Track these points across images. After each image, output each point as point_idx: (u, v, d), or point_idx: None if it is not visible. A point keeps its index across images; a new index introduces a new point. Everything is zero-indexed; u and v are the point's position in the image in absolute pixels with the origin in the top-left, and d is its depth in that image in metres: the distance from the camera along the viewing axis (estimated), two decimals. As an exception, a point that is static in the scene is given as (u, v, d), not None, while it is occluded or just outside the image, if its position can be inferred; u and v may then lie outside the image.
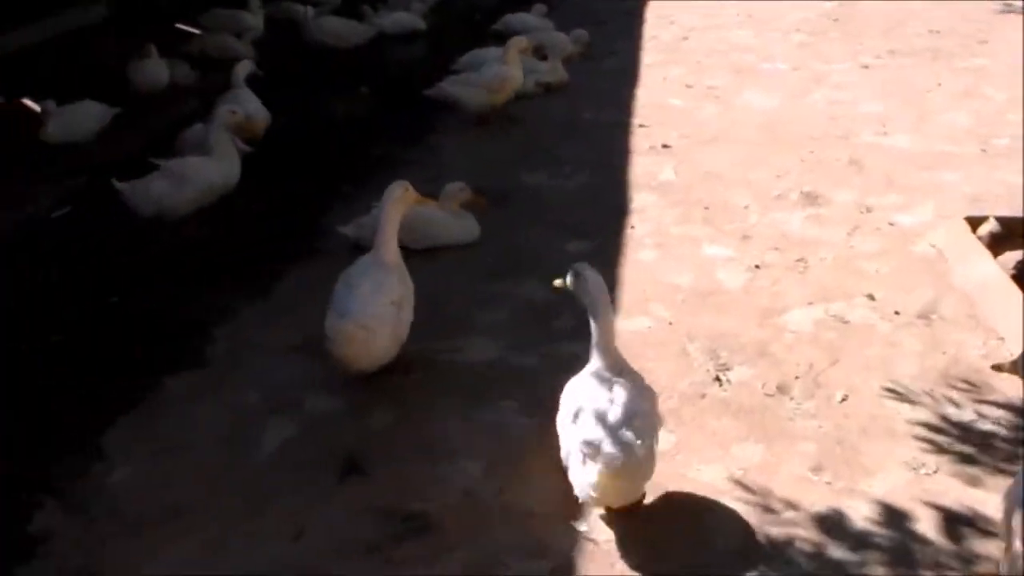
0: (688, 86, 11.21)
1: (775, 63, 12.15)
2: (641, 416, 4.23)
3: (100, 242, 7.69)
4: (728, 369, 5.61)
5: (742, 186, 8.28)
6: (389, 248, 5.61)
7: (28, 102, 10.00)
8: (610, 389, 4.32)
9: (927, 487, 4.58)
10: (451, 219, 7.23)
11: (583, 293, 4.52)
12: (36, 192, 8.29)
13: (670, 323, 6.13)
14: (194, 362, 5.91)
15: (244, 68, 9.79)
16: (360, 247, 6.98)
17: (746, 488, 4.60)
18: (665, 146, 9.27)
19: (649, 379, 4.59)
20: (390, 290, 5.47)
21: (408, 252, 6.34)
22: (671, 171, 8.66)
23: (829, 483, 4.63)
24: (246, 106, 8.97)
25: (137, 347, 6.10)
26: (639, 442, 4.08)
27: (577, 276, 4.56)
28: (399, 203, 5.75)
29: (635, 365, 4.68)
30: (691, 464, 4.79)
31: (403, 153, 9.20)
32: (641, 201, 8.04)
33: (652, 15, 15.08)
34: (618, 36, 13.47)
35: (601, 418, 4.20)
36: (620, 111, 10.29)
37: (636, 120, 10.01)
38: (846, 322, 6.09)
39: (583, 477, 4.19)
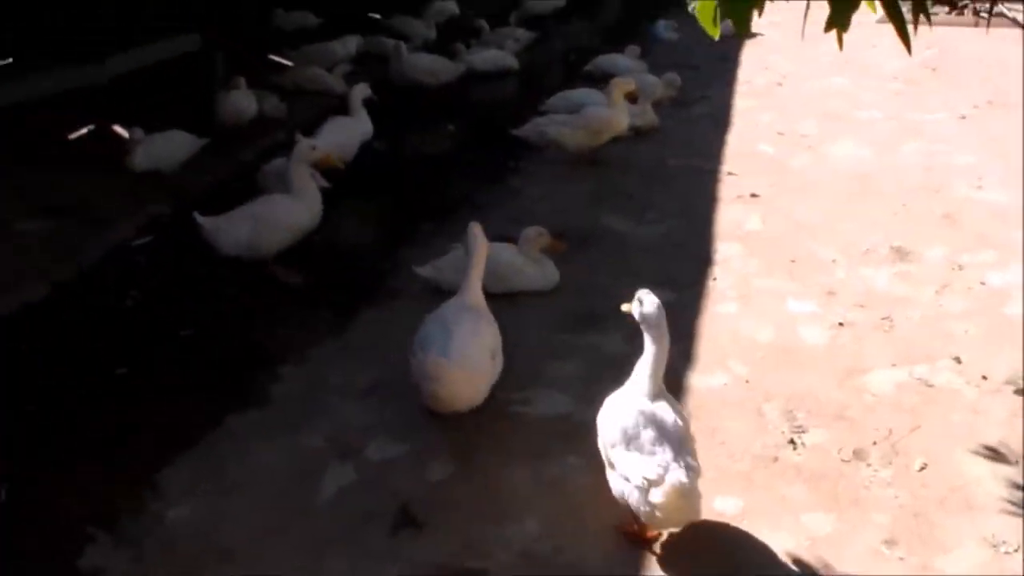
0: (780, 133, 11.03)
1: (870, 111, 11.93)
2: (691, 439, 4.48)
3: (178, 272, 7.71)
4: (804, 432, 5.42)
5: (830, 239, 8.08)
6: (475, 291, 5.71)
7: (117, 129, 10.10)
8: (659, 413, 4.47)
9: (1007, 566, 4.35)
10: (530, 265, 7.10)
11: (646, 321, 4.71)
12: (119, 219, 8.32)
13: (747, 381, 5.95)
14: (259, 400, 5.84)
15: (361, 91, 9.86)
16: (437, 289, 6.93)
17: (813, 559, 4.41)
18: (753, 195, 9.09)
19: (721, 439, 4.45)
20: (486, 336, 5.54)
21: (486, 296, 6.33)
22: (758, 221, 8.49)
23: (902, 558, 4.42)
24: (348, 132, 9.38)
25: (203, 382, 6.07)
26: (696, 463, 4.31)
27: (641, 303, 4.77)
28: (485, 245, 5.81)
29: (708, 424, 4.55)
30: (759, 531, 4.60)
31: (484, 194, 9.12)
32: (725, 251, 7.87)
33: (747, 59, 14.92)
34: (711, 80, 13.33)
35: (659, 442, 4.37)
36: (709, 157, 10.13)
37: (725, 167, 9.84)
38: (930, 386, 5.87)
39: (648, 500, 4.30)
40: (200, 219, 7.24)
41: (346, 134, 9.66)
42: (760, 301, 7.01)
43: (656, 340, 4.66)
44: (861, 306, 6.89)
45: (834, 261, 7.66)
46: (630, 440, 4.43)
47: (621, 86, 9.97)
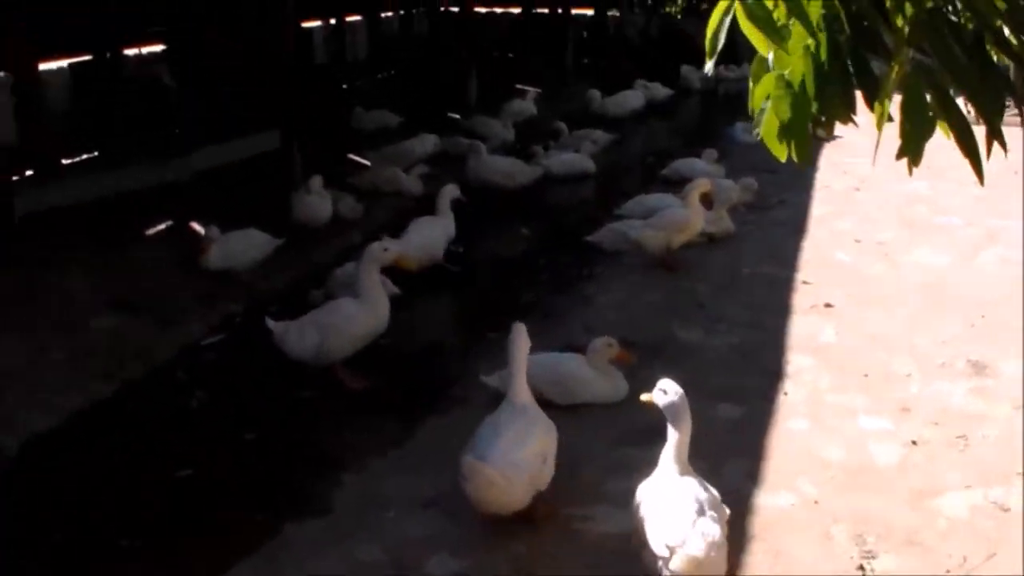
0: (857, 240, 10.88)
1: (949, 217, 11.74)
2: (721, 510, 4.76)
3: (246, 373, 7.76)
4: (873, 557, 5.26)
5: (905, 352, 7.91)
6: (522, 391, 5.73)
7: (195, 225, 10.24)
8: (685, 487, 4.79)
9: None
10: (599, 377, 7.03)
11: (669, 410, 5.06)
12: (191, 317, 8.40)
13: (815, 501, 5.80)
14: (319, 508, 5.81)
15: (450, 192, 9.99)
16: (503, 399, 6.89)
17: None
18: (827, 305, 8.95)
19: (786, 562, 4.34)
20: (536, 440, 5.54)
21: (552, 408, 6.35)
22: (832, 333, 8.35)
23: None
24: (436, 233, 9.63)
25: (265, 486, 6.06)
26: (718, 532, 4.53)
27: (664, 393, 5.11)
28: (526, 347, 5.88)
29: (773, 546, 4.42)
30: (822, 666, 4.46)
31: (554, 301, 9.07)
32: (797, 364, 7.73)
33: (825, 163, 14.80)
34: (789, 185, 13.22)
35: (684, 512, 4.62)
36: (783, 265, 10.02)
37: (799, 276, 9.72)
38: (1006, 510, 5.68)
39: (669, 568, 4.50)
40: (270, 324, 7.28)
41: (434, 234, 9.79)
42: (831, 417, 6.85)
43: (679, 428, 4.98)
44: (935, 423, 6.71)
45: (909, 375, 7.49)
46: (656, 513, 4.66)
47: (700, 187, 9.92)
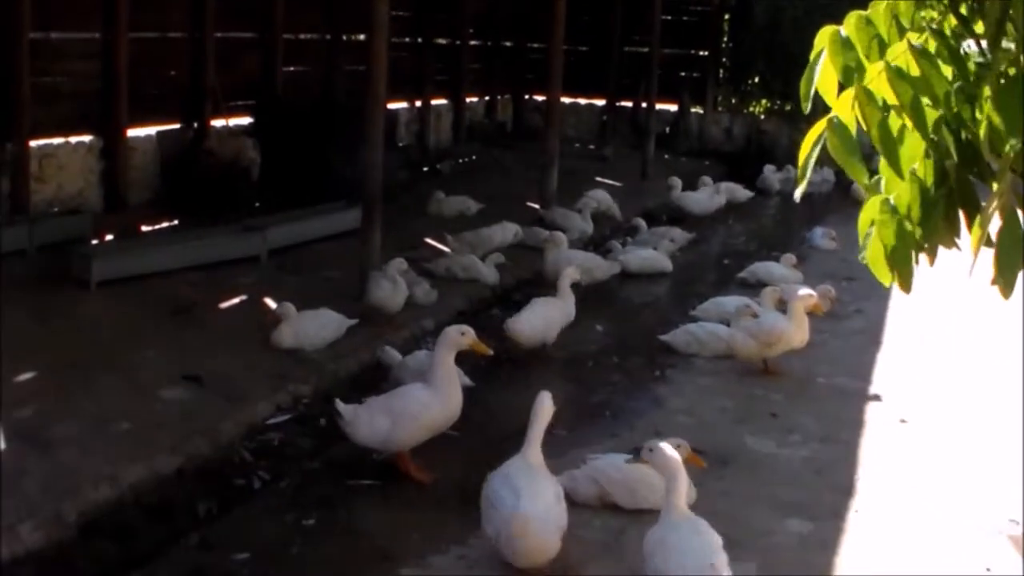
0: (936, 355, 10.68)
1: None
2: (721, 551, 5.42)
3: (311, 455, 7.71)
4: None
5: (982, 472, 7.72)
6: (535, 451, 6.20)
7: (268, 302, 10.26)
8: (687, 527, 5.48)
9: None
10: (665, 483, 6.89)
11: (660, 465, 5.79)
12: (259, 395, 8.37)
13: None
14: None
15: (570, 275, 10.25)
16: (571, 501, 6.78)
17: None
18: (902, 421, 8.77)
19: None
20: (551, 485, 6.09)
21: (617, 512, 6.51)
22: (906, 449, 8.16)
23: None
24: (556, 314, 10.00)
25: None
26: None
27: (652, 451, 5.86)
28: (549, 412, 6.39)
29: None
30: None
31: (625, 401, 8.94)
32: (870, 481, 7.55)
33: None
34: (866, 294, 13.03)
35: (696, 555, 5.32)
36: (858, 376, 9.82)
37: (873, 388, 9.53)
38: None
39: None
40: (340, 407, 7.19)
41: (552, 315, 9.99)
42: (903, 537, 6.68)
43: (676, 482, 5.67)
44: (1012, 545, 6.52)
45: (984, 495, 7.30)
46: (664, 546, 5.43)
47: (804, 301, 9.74)
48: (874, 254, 3.29)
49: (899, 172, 3.12)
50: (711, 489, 7.17)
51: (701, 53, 25.22)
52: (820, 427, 8.56)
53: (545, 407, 6.29)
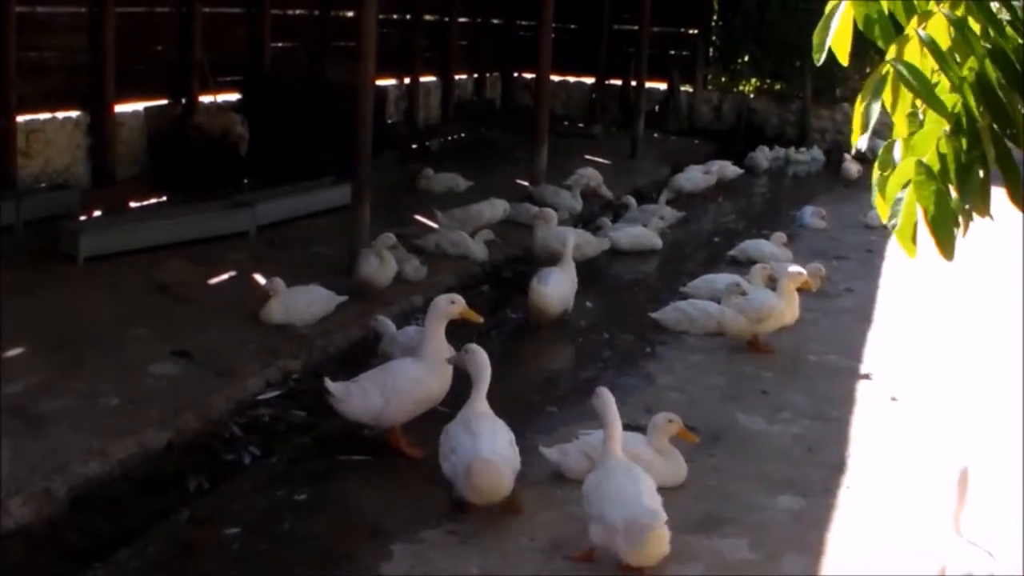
0: (926, 333, 10.68)
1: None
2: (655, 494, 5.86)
3: (300, 431, 7.69)
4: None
5: (972, 448, 7.72)
6: (482, 400, 6.53)
7: (258, 278, 10.21)
8: (624, 476, 5.86)
9: None
10: (659, 458, 6.86)
11: (599, 410, 6.21)
12: (249, 371, 8.34)
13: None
14: (369, 580, 5.71)
15: (572, 242, 10.72)
16: (559, 475, 6.79)
17: None
18: (893, 399, 8.77)
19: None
20: (504, 431, 6.45)
21: None
22: (896, 426, 8.16)
23: None
24: (570, 283, 10.23)
25: (313, 553, 5.97)
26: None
27: (597, 396, 6.27)
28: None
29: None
30: None
31: (615, 378, 8.89)
32: (861, 457, 7.55)
33: (894, 250, 14.57)
34: (857, 272, 13.04)
35: (629, 498, 5.69)
36: (849, 355, 9.81)
37: (863, 367, 9.53)
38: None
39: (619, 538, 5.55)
40: (330, 385, 7.14)
41: (566, 285, 10.22)
42: (894, 513, 6.68)
43: (612, 429, 6.12)
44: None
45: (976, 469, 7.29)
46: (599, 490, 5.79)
47: (794, 279, 9.73)
48: (905, 222, 3.09)
49: (944, 114, 2.97)
50: (702, 465, 7.17)
51: (691, 32, 25.17)
52: (811, 404, 8.55)
53: (478, 360, 6.61)
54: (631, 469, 5.95)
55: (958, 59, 2.98)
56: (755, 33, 24.11)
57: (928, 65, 2.99)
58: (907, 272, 12.21)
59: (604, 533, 5.66)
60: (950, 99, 3.04)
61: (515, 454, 6.40)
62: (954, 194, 3.07)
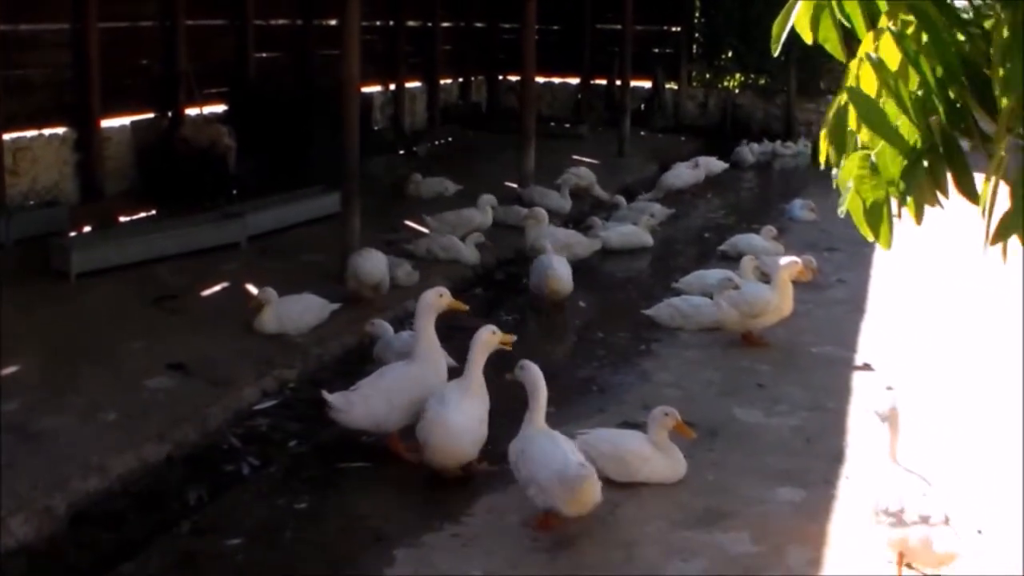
0: (918, 321, 10.69)
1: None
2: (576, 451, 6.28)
3: (299, 439, 7.69)
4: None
5: (967, 435, 7.74)
6: (478, 380, 6.87)
7: (250, 288, 10.20)
8: (544, 440, 6.27)
9: None
10: (658, 454, 6.88)
11: (527, 382, 6.49)
12: (245, 382, 8.33)
13: (880, 592, 5.64)
14: (371, 587, 5.71)
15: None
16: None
17: None
18: (889, 388, 8.78)
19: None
20: (480, 407, 6.83)
21: (609, 485, 6.47)
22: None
23: None
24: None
25: (316, 560, 5.98)
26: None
27: (521, 369, 6.57)
28: (487, 346, 6.97)
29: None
30: None
31: (611, 376, 8.92)
32: (859, 447, 7.56)
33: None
34: (849, 263, 13.06)
35: (551, 457, 6.10)
36: (843, 345, 9.83)
37: (859, 356, 9.54)
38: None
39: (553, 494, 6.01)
40: (329, 397, 7.11)
41: (567, 269, 10.61)
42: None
43: (539, 399, 6.44)
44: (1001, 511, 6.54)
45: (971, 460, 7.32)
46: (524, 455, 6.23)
47: (790, 270, 9.71)
48: (854, 209, 3.27)
49: (901, 147, 3.09)
50: (701, 460, 7.18)
51: (674, 29, 25.21)
52: (807, 396, 8.56)
53: (483, 340, 6.85)
54: (550, 433, 6.36)
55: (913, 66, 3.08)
56: (738, 28, 24.16)
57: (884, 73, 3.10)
58: (899, 262, 12.22)
59: (541, 492, 6.06)
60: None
61: (483, 431, 6.86)
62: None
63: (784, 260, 9.94)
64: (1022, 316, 9.97)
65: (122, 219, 13.36)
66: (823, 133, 3.27)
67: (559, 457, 6.08)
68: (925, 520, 5.55)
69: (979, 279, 11.88)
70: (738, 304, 9.66)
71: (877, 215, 3.24)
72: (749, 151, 21.34)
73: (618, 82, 22.02)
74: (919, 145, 3.18)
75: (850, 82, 3.13)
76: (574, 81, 25.68)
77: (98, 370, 8.26)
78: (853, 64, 3.16)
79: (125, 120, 14.71)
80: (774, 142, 22.48)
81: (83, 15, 13.54)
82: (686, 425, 6.99)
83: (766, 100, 24.61)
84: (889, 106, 3.14)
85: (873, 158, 3.21)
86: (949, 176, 3.20)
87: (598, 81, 25.27)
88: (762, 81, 24.79)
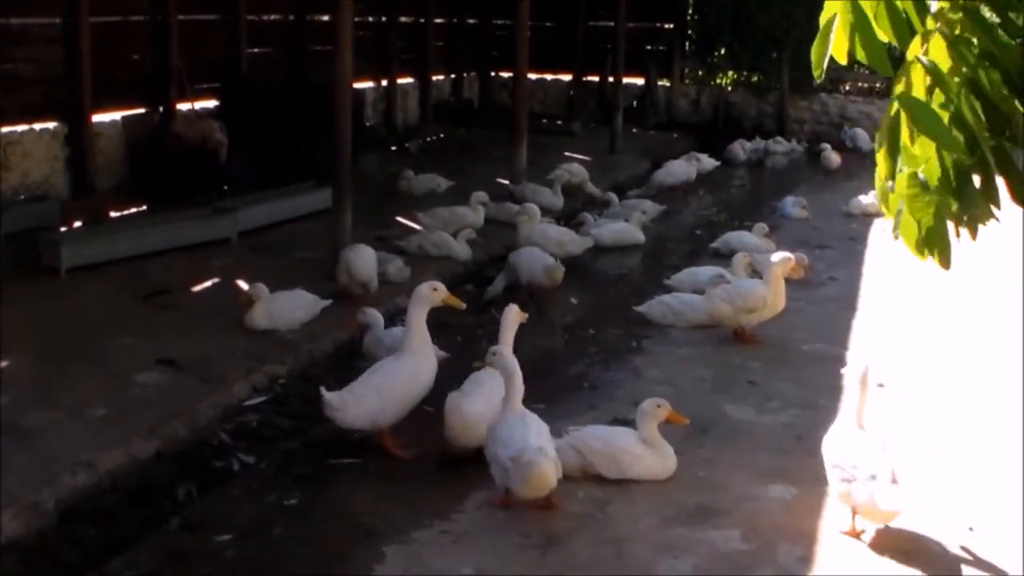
0: (909, 319, 10.70)
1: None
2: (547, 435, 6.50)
3: (289, 435, 7.67)
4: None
5: (960, 433, 7.75)
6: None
7: (241, 284, 10.17)
8: (518, 422, 6.42)
9: None
10: (649, 451, 6.86)
11: (501, 368, 6.68)
12: (235, 377, 8.31)
13: (870, 589, 5.64)
14: (363, 579, 5.69)
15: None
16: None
17: None
18: (880, 385, 8.77)
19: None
20: (497, 392, 6.82)
21: (600, 482, 6.61)
22: (884, 413, 8.17)
23: None
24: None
25: (305, 558, 5.96)
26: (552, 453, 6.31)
27: (495, 355, 6.79)
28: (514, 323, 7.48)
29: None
30: None
31: (602, 373, 8.91)
32: (850, 446, 7.56)
33: (876, 239, 14.59)
34: (840, 261, 13.06)
35: (522, 437, 6.28)
36: (835, 343, 9.83)
37: (849, 353, 9.53)
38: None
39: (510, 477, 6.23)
40: (326, 395, 7.06)
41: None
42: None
43: (513, 384, 6.59)
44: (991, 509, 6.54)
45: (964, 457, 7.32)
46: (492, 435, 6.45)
47: (783, 265, 9.71)
48: (907, 232, 3.15)
49: (958, 149, 3.00)
50: (693, 457, 7.18)
51: (667, 26, 25.21)
52: (799, 393, 8.56)
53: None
54: (525, 415, 6.52)
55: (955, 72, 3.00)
56: (731, 26, 24.16)
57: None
58: (891, 259, 12.22)
59: (500, 472, 6.30)
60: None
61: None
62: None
63: (776, 256, 9.94)
64: (1022, 316, 9.96)
65: (113, 214, 13.33)
66: (878, 148, 3.17)
67: (519, 440, 6.24)
68: (874, 478, 5.96)
69: (973, 277, 11.89)
70: (731, 298, 9.66)
71: (939, 238, 3.15)
72: (741, 148, 21.34)
73: (611, 79, 22.00)
74: (965, 160, 3.08)
75: (899, 88, 3.04)
76: (567, 78, 25.67)
77: (88, 366, 8.23)
78: (902, 70, 3.07)
79: (116, 115, 14.66)
80: (767, 140, 22.48)
81: (74, 9, 13.48)
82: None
83: (759, 97, 24.60)
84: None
85: (921, 175, 3.12)
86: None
87: (591, 78, 25.24)
88: (755, 78, 24.77)
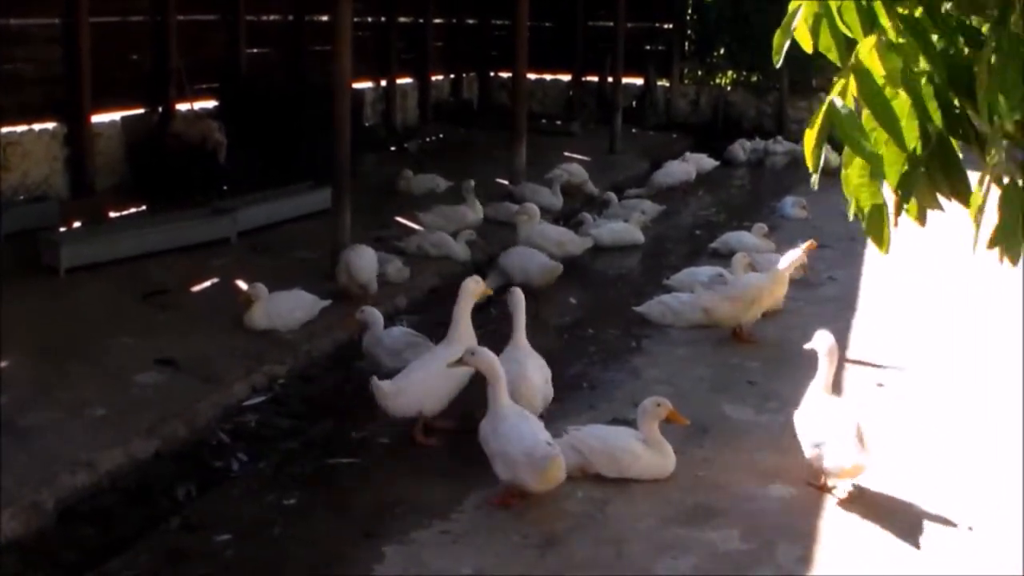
0: (909, 320, 10.70)
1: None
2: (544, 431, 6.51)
3: (288, 435, 7.67)
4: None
5: (960, 436, 7.74)
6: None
7: (240, 284, 10.18)
8: (514, 417, 6.49)
9: None
10: (649, 450, 6.87)
11: (482, 366, 6.67)
12: (234, 377, 8.31)
13: (869, 591, 5.64)
14: (362, 581, 5.69)
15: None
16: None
17: None
18: (879, 385, 8.79)
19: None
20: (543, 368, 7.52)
21: (600, 481, 6.62)
22: (883, 412, 8.18)
23: None
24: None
25: (305, 557, 5.96)
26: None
27: (474, 354, 6.70)
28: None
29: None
30: None
31: (601, 373, 8.91)
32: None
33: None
34: (840, 261, 13.05)
35: (523, 433, 6.37)
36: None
37: (849, 353, 9.53)
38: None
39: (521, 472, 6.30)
40: (378, 383, 7.21)
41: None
42: (885, 501, 6.68)
43: (493, 378, 6.61)
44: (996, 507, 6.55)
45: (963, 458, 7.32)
46: (495, 432, 6.47)
47: (792, 260, 9.75)
48: (862, 217, 3.29)
49: (901, 144, 3.08)
50: (692, 457, 7.18)
51: (666, 26, 25.20)
52: (798, 394, 8.46)
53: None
54: (521, 412, 6.59)
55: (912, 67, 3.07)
56: (730, 26, 24.16)
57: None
58: (890, 260, 12.20)
59: (508, 467, 6.32)
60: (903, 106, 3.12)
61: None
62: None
63: (789, 254, 9.93)
64: (1022, 315, 9.96)
65: (112, 214, 13.33)
66: (807, 140, 3.26)
67: (528, 435, 6.31)
68: (839, 439, 6.48)
69: (971, 277, 11.89)
70: (729, 294, 9.66)
71: (877, 221, 3.28)
72: (741, 149, 21.34)
73: (610, 79, 21.98)
74: (919, 152, 3.16)
75: (835, 92, 3.10)
76: (566, 78, 25.67)
77: (87, 365, 8.24)
78: (840, 76, 3.14)
79: (116, 115, 14.65)
80: (766, 140, 22.46)
81: (74, 10, 13.48)
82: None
83: (758, 98, 24.60)
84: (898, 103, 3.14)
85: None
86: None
87: (590, 78, 25.24)
88: (754, 79, 24.76)
